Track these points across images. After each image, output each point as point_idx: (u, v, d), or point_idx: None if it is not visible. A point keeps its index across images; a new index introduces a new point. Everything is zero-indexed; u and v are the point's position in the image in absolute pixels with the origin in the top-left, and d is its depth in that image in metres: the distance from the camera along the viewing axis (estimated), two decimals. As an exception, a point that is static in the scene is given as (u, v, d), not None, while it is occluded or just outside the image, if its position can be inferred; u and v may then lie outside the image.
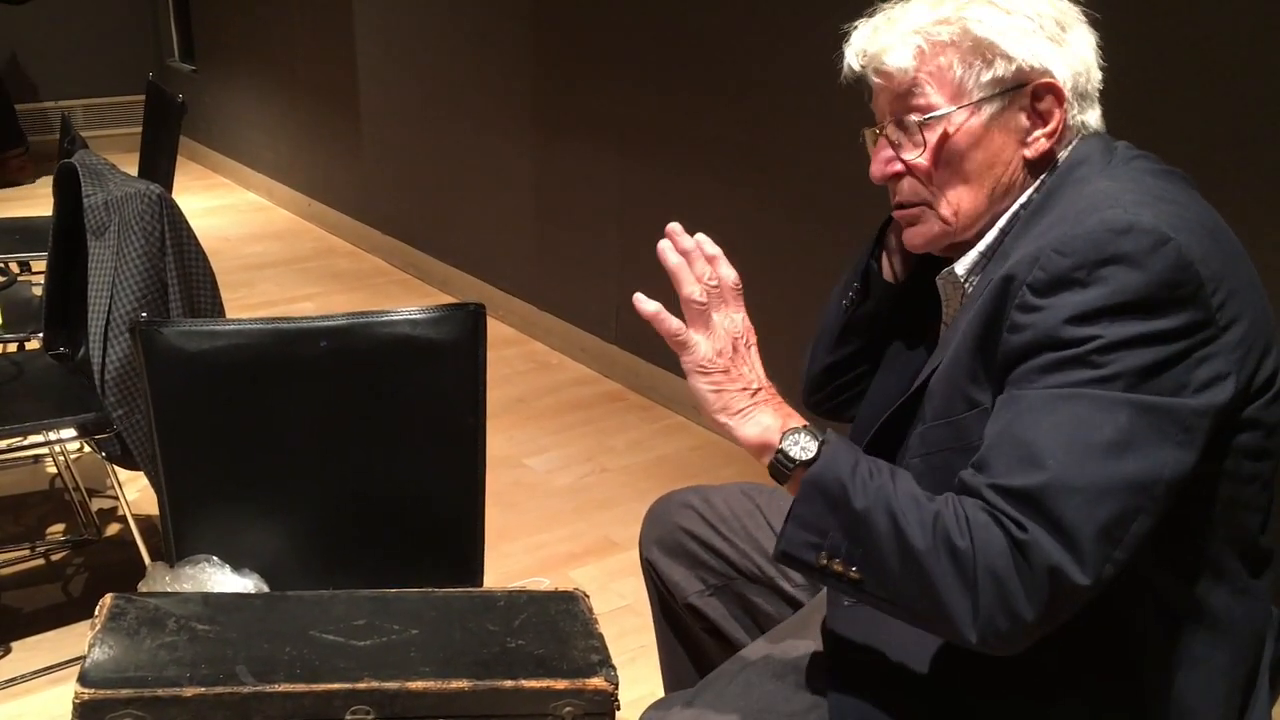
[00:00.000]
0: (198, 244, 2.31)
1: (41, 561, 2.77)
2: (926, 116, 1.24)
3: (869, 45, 1.27)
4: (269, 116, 6.11)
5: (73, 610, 2.56)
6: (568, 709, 1.34)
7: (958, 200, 1.26)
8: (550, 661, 1.37)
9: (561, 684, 1.34)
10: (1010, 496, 1.06)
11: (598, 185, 3.85)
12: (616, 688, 1.36)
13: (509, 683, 1.33)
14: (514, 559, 2.80)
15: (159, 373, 1.61)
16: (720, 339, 1.26)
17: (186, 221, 2.29)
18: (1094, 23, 1.28)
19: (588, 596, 1.56)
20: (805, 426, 1.19)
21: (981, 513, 1.07)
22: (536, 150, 4.12)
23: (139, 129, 3.69)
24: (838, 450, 1.16)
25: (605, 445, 3.45)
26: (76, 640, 2.44)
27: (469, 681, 1.32)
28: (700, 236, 1.28)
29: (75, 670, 2.30)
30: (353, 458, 1.67)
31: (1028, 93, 1.22)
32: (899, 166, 1.29)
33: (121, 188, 2.28)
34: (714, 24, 3.27)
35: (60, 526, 2.91)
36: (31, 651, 2.42)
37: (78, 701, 1.23)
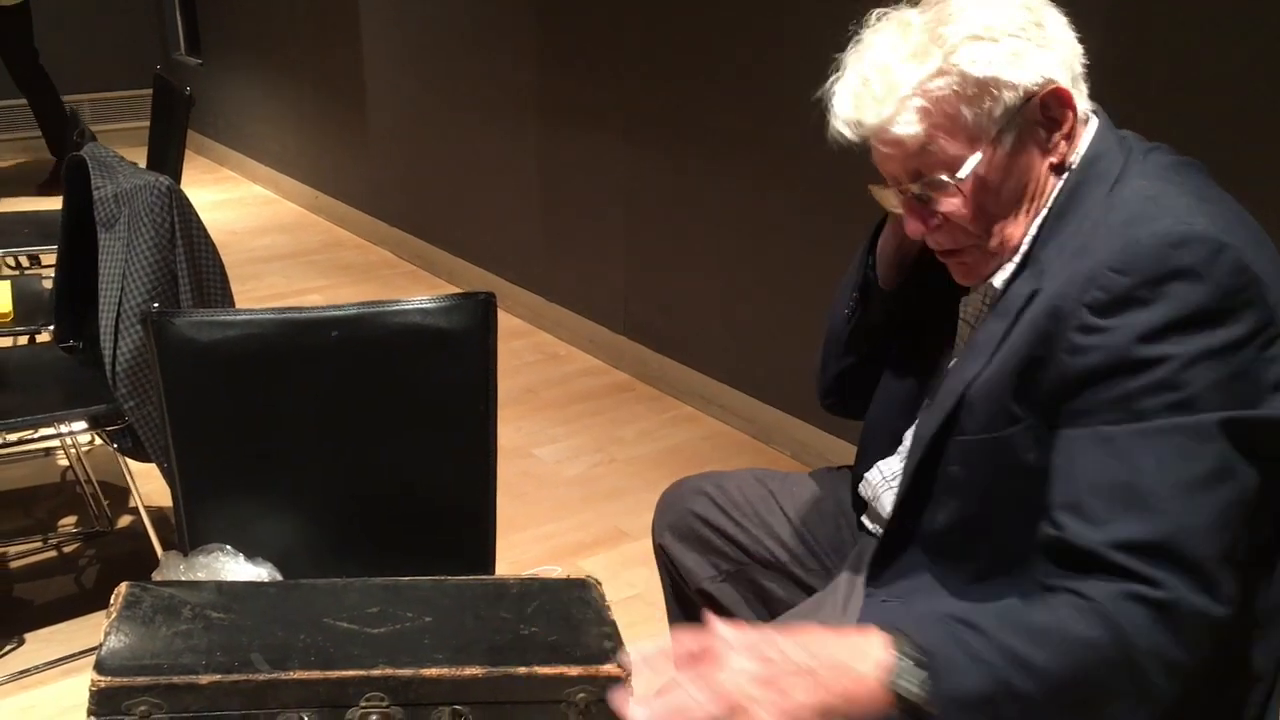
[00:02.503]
0: (207, 235, 2.32)
1: (54, 553, 2.78)
2: (956, 175, 1.21)
3: (864, 116, 1.22)
4: (275, 110, 6.12)
5: (85, 602, 2.57)
6: (581, 695, 1.34)
7: (1002, 231, 1.25)
8: (563, 648, 1.38)
9: (575, 670, 1.34)
10: (1135, 552, 1.04)
11: (604, 175, 3.85)
12: (629, 674, 1.37)
13: (522, 669, 1.33)
14: (524, 549, 2.81)
15: (171, 363, 1.61)
16: (739, 675, 1.08)
17: (196, 213, 2.30)
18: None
19: (600, 584, 1.56)
20: (892, 659, 1.06)
21: (1109, 589, 1.04)
22: (543, 141, 4.12)
23: (146, 123, 3.70)
24: (942, 657, 1.06)
25: (614, 436, 3.46)
26: (89, 632, 2.45)
27: (482, 668, 1.32)
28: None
29: (88, 661, 2.32)
30: (364, 447, 1.68)
31: (1037, 106, 1.21)
32: (938, 221, 1.26)
33: (131, 180, 2.29)
34: (719, 12, 3.26)
35: (72, 519, 2.92)
36: (44, 643, 2.43)
37: (94, 689, 1.24)
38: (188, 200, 2.28)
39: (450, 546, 1.69)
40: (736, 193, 3.32)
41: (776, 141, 3.16)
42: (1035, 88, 1.19)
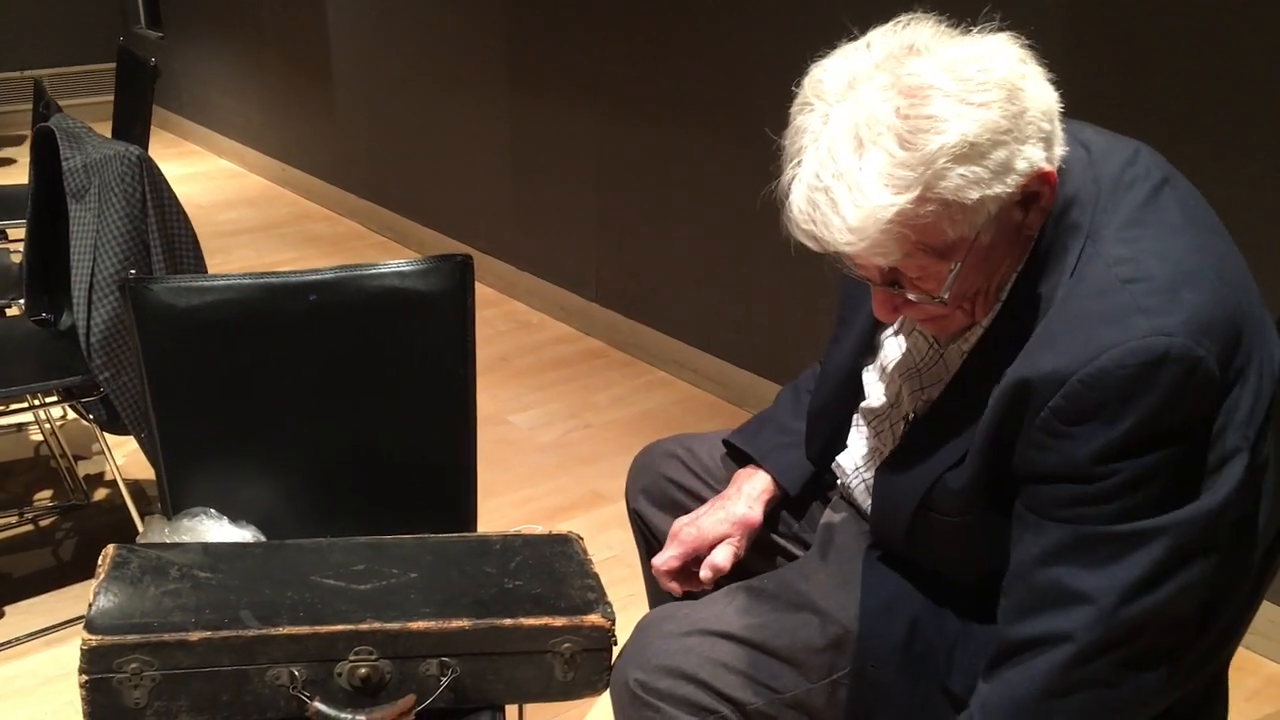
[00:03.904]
0: (179, 204, 2.31)
1: (30, 527, 2.78)
2: (940, 293, 1.15)
3: (834, 238, 1.10)
4: (239, 81, 6.06)
5: (64, 574, 2.57)
6: (566, 645, 1.37)
7: (974, 304, 1.21)
8: (548, 600, 1.41)
9: (560, 621, 1.37)
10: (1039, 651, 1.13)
11: (575, 143, 3.85)
12: (613, 623, 1.39)
13: (508, 621, 1.36)
14: (502, 513, 2.83)
15: (149, 330, 1.62)
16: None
17: (167, 182, 2.29)
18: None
19: (581, 539, 1.59)
20: None
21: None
22: (512, 109, 4.12)
23: (108, 97, 3.66)
24: None
25: (588, 401, 3.48)
26: (69, 603, 2.46)
27: (469, 620, 1.35)
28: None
29: (70, 632, 2.35)
30: (344, 410, 1.69)
31: (1018, 194, 1.11)
32: (908, 310, 1.21)
33: (100, 150, 2.27)
34: (688, -22, 3.27)
35: (48, 493, 2.92)
36: (25, 615, 2.43)
37: (85, 648, 1.25)
38: (158, 169, 2.28)
39: (432, 507, 1.71)
40: (707, 159, 3.34)
41: (747, 107, 3.17)
42: (1020, 185, 1.09)
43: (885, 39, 1.13)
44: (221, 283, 1.63)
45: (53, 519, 2.81)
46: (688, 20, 3.30)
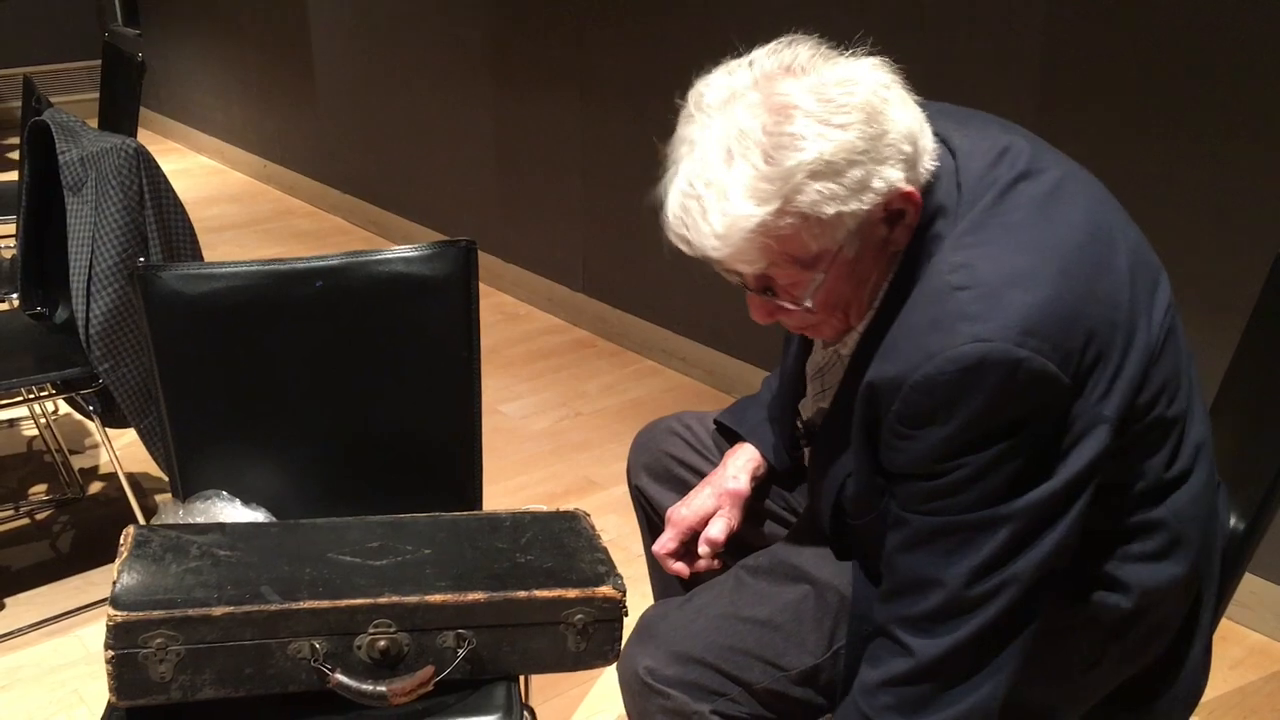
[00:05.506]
0: (175, 196, 2.33)
1: (27, 521, 2.79)
2: (801, 301, 1.21)
3: (702, 243, 1.16)
4: (219, 78, 6.05)
5: (63, 566, 2.59)
6: (579, 616, 1.41)
7: (847, 312, 1.26)
8: (560, 573, 1.44)
9: (573, 593, 1.41)
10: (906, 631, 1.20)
11: (559, 134, 3.88)
12: (624, 595, 1.43)
13: (523, 593, 1.39)
14: (498, 500, 2.86)
15: (159, 317, 1.64)
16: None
17: (163, 174, 2.31)
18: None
19: (589, 515, 1.62)
20: None
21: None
22: (495, 101, 4.14)
23: (88, 95, 3.66)
24: None
25: (578, 390, 3.51)
26: (68, 595, 2.48)
27: (485, 593, 1.38)
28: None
29: (71, 623, 2.38)
30: (352, 394, 1.72)
31: (880, 212, 1.17)
32: (782, 316, 1.27)
33: (96, 143, 2.29)
34: (672, -30, 3.30)
35: (43, 487, 2.93)
36: (25, 606, 2.45)
37: (111, 624, 1.28)
38: (155, 161, 2.30)
39: (440, 487, 1.74)
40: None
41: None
42: (880, 203, 1.15)
43: (766, 58, 1.19)
44: (229, 269, 1.65)
45: (49, 512, 2.82)
46: (671, 10, 3.33)
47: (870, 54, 1.20)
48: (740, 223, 1.13)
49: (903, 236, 1.20)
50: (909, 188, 1.16)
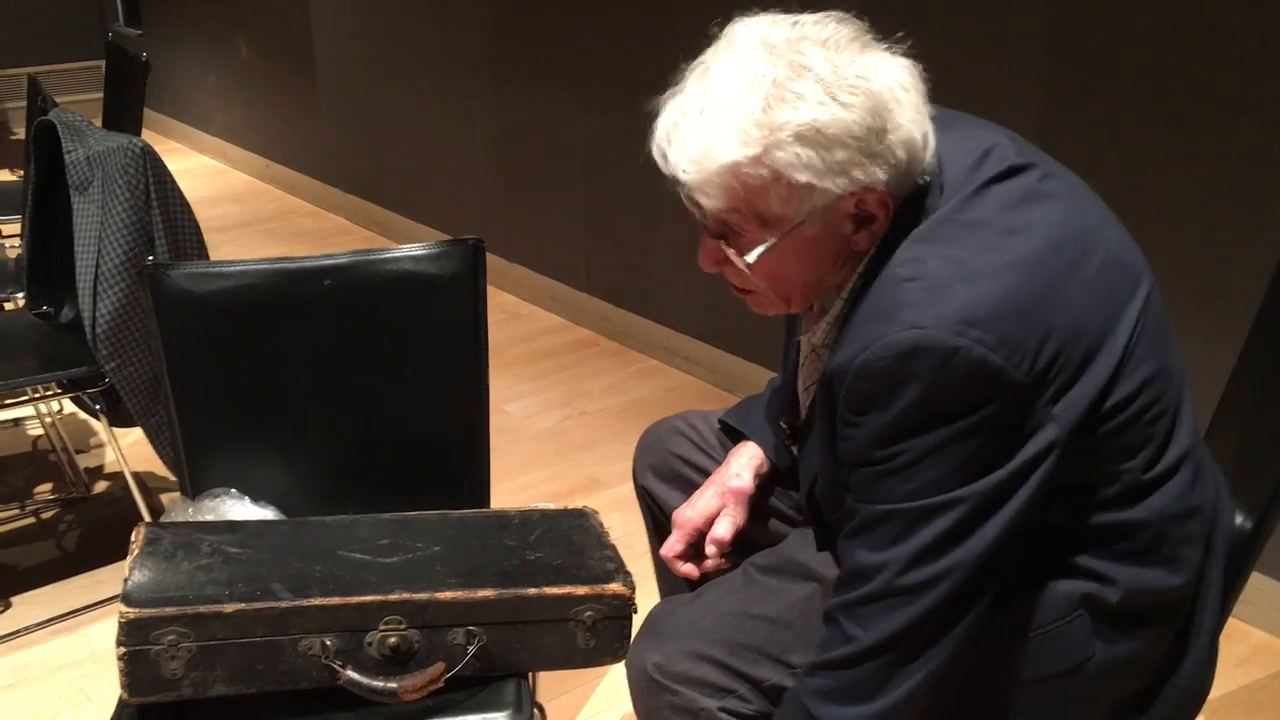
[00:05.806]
0: (182, 195, 2.34)
1: (32, 520, 2.79)
2: (744, 257, 1.21)
3: (676, 160, 1.17)
4: (221, 78, 6.06)
5: (68, 565, 2.59)
6: (588, 613, 1.41)
7: (788, 293, 1.27)
8: (569, 570, 1.45)
9: (582, 590, 1.41)
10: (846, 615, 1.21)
11: (560, 134, 3.88)
12: (633, 592, 1.44)
13: (532, 590, 1.40)
14: (502, 500, 2.84)
15: (168, 315, 1.65)
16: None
17: (170, 173, 2.31)
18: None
19: (597, 513, 1.63)
20: None
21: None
22: (497, 101, 4.14)
23: (91, 95, 3.67)
24: None
25: (581, 390, 3.52)
26: (74, 593, 2.48)
27: (494, 590, 1.39)
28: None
29: (76, 621, 2.38)
30: (360, 392, 1.72)
31: (850, 206, 1.17)
32: (727, 269, 1.27)
33: (102, 142, 2.30)
34: (676, -31, 3.30)
35: (48, 486, 2.93)
36: (31, 605, 2.45)
37: (123, 621, 1.28)
38: (161, 160, 2.30)
39: (448, 485, 1.74)
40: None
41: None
42: (850, 194, 1.16)
43: (811, 25, 1.19)
44: (238, 268, 1.66)
45: (55, 511, 2.83)
46: (672, 11, 3.34)
47: (908, 55, 1.20)
48: (717, 156, 1.14)
49: (864, 240, 1.21)
50: (885, 192, 1.17)
